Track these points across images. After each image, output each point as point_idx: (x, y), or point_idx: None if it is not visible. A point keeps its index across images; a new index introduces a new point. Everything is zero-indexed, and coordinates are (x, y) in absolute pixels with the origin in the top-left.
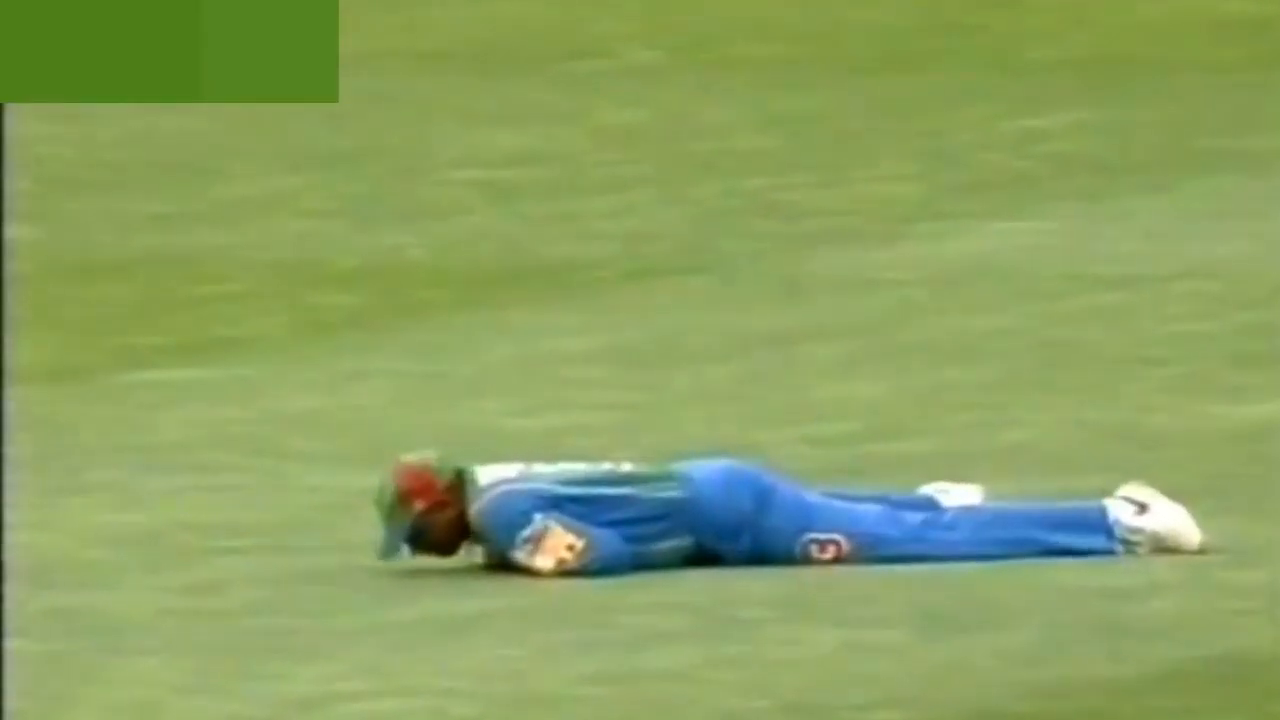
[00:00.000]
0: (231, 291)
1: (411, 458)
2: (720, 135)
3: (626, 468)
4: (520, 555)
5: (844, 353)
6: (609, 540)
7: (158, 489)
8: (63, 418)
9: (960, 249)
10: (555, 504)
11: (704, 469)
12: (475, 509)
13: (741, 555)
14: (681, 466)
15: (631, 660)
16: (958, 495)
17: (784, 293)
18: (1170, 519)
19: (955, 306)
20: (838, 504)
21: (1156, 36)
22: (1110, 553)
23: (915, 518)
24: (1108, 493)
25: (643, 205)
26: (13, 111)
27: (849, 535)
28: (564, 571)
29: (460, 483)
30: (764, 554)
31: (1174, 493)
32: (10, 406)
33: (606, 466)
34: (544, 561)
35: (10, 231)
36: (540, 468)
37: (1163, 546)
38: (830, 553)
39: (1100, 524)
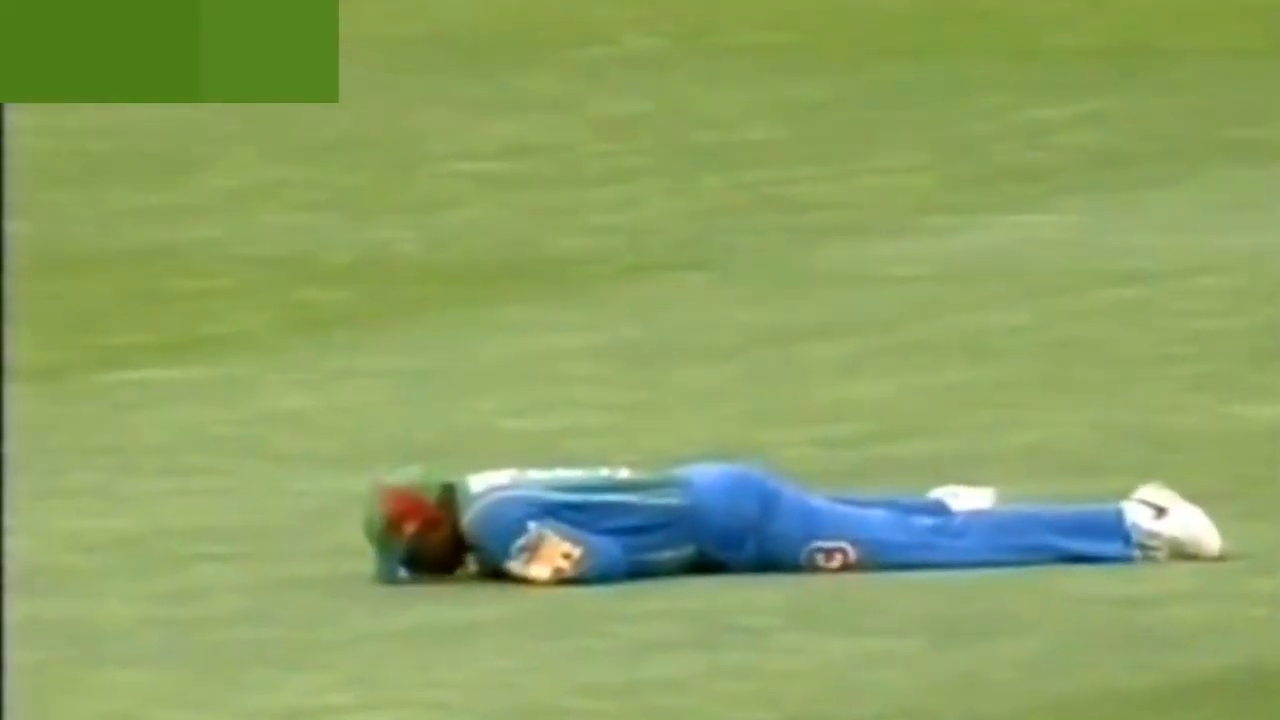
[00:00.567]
0: (217, 287)
1: (395, 479)
2: (724, 125)
3: (624, 474)
4: (515, 565)
5: (851, 351)
6: (607, 548)
7: (139, 492)
8: (40, 418)
9: (972, 243)
10: (551, 511)
11: (705, 474)
12: (468, 518)
13: (745, 564)
14: (682, 472)
15: (631, 671)
16: (969, 499)
17: (789, 289)
18: (1190, 523)
19: (967, 303)
20: (844, 509)
21: (1176, 22)
22: (1127, 558)
23: (925, 522)
24: (1125, 496)
25: (644, 198)
26: None
27: (856, 542)
28: (561, 580)
29: (450, 497)
30: (768, 562)
31: (1194, 496)
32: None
33: (603, 473)
34: (540, 571)
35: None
36: (534, 474)
37: (1182, 552)
38: (837, 560)
39: (1117, 528)
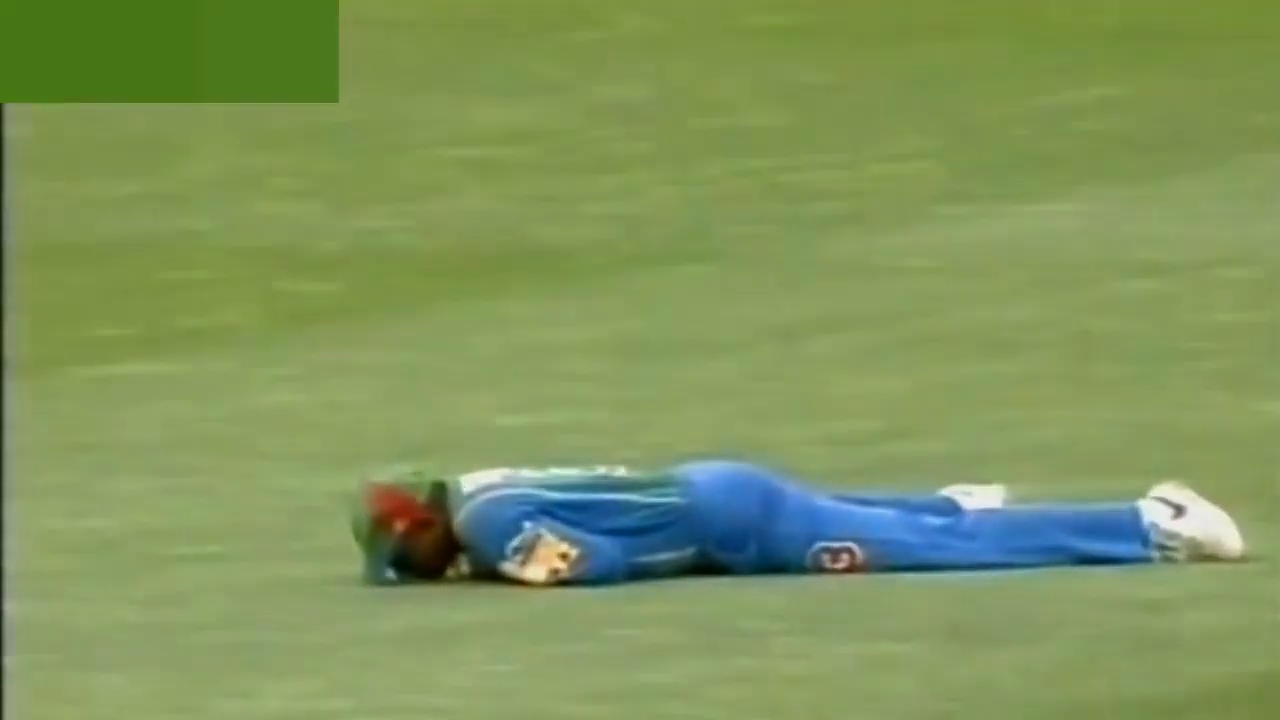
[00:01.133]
0: (199, 279)
1: (382, 477)
2: (726, 111)
3: (621, 472)
4: (510, 566)
5: (859, 345)
6: (605, 548)
7: (119, 492)
8: (16, 415)
9: (985, 234)
10: (547, 510)
11: (706, 473)
12: (460, 517)
13: (748, 565)
14: (682, 470)
15: (630, 676)
16: (981, 498)
17: (794, 281)
18: (1209, 523)
19: (979, 296)
20: (851, 508)
21: (1196, 4)
22: (1145, 560)
23: (935, 522)
24: (1142, 495)
25: (643, 186)
26: None
27: (863, 542)
28: (557, 582)
29: (441, 496)
30: (772, 563)
31: (1214, 495)
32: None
33: (600, 471)
34: (536, 572)
35: None
36: (527, 473)
37: (1201, 553)
38: (844, 562)
39: (1134, 529)
